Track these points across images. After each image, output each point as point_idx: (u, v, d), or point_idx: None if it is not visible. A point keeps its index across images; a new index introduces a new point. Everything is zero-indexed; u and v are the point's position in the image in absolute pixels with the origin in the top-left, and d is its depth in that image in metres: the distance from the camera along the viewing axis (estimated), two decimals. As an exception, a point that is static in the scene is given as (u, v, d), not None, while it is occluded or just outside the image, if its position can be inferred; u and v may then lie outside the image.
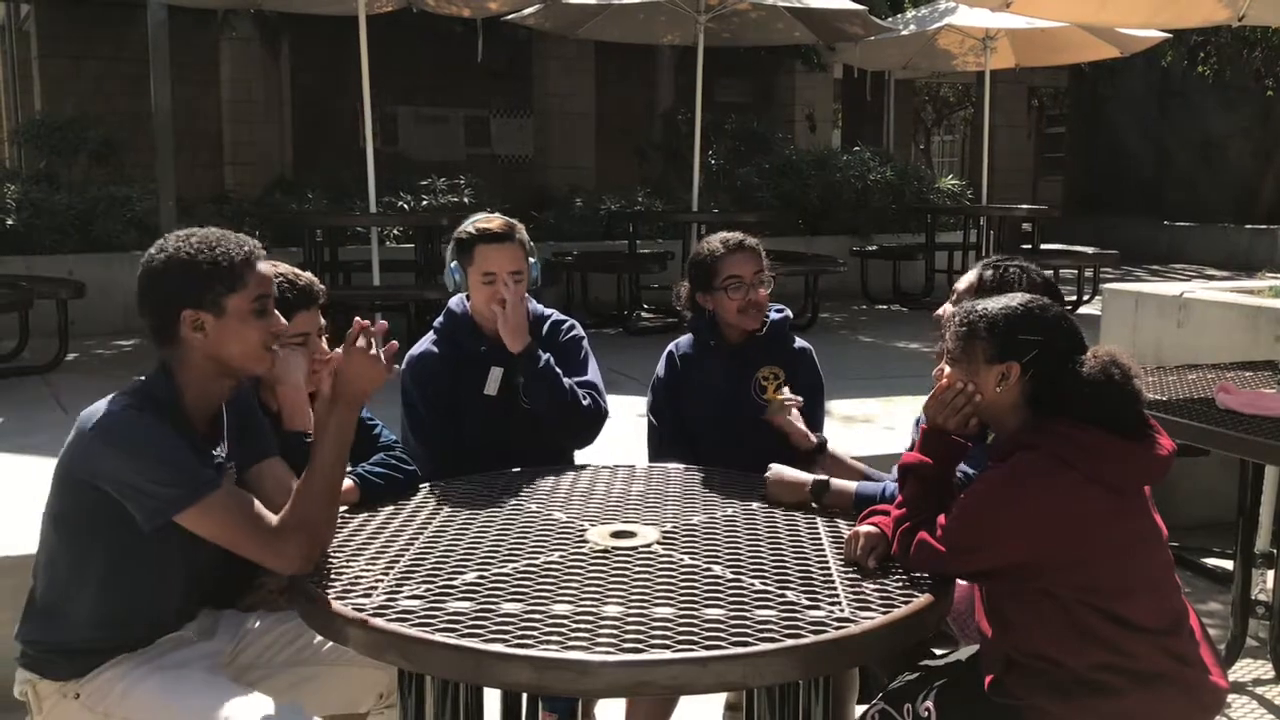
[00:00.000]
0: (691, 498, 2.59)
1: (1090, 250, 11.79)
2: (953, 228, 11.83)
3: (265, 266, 2.18)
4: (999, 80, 13.66)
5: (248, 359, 2.16)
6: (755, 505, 2.53)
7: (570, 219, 10.73)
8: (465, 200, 9.94)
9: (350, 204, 9.40)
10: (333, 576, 2.08)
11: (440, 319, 3.08)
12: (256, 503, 2.12)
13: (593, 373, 3.05)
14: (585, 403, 2.94)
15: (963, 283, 2.67)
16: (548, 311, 3.09)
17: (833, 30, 9.48)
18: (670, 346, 3.21)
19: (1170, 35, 10.94)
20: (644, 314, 9.24)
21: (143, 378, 2.16)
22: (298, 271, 2.57)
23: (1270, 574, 3.83)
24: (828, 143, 14.94)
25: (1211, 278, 12.71)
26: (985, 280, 2.61)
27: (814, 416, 3.09)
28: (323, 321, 2.62)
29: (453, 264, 3.00)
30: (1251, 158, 16.46)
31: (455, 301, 3.08)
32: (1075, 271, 10.43)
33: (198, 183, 10.58)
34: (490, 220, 2.98)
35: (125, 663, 2.17)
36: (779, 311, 3.13)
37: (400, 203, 9.64)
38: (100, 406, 2.09)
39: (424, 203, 9.71)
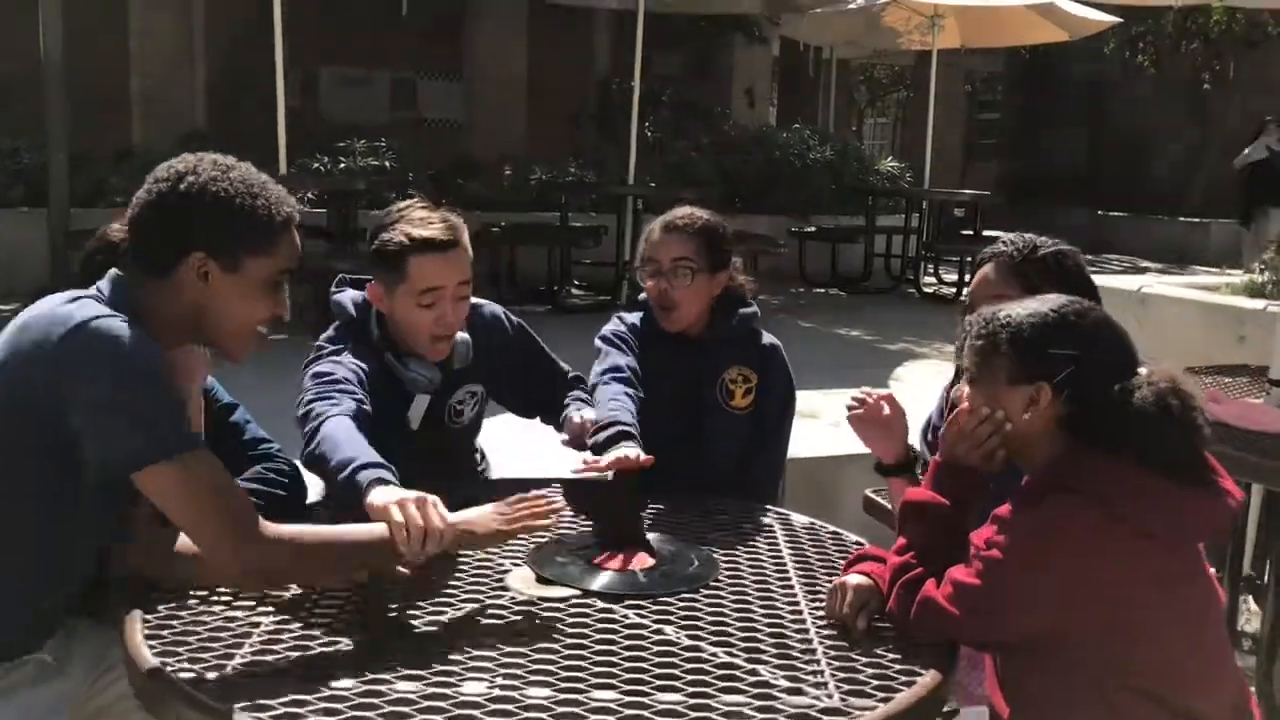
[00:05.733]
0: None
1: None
2: (891, 210, 11.54)
3: (297, 237, 1.81)
4: (938, 62, 13.39)
5: (234, 335, 1.78)
6: (713, 537, 2.12)
7: (499, 188, 10.21)
8: (386, 164, 9.36)
9: (266, 165, 8.79)
10: (178, 637, 1.62)
11: (333, 333, 2.34)
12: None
13: (552, 354, 2.64)
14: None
15: (985, 272, 2.21)
16: (476, 301, 2.50)
17: (780, -1, 9.07)
18: (617, 315, 2.68)
19: (1120, 21, 10.74)
20: (574, 290, 8.78)
21: (97, 291, 1.71)
22: None
23: (1252, 601, 3.53)
24: (766, 119, 14.54)
25: (1145, 269, 12.61)
26: (1011, 259, 2.15)
27: (780, 431, 2.67)
28: None
29: (345, 290, 2.38)
30: (1186, 150, 16.43)
31: (352, 301, 2.38)
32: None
33: (102, 136, 9.85)
34: (427, 221, 2.25)
35: None
36: (748, 307, 2.67)
37: (316, 165, 9.05)
38: (75, 311, 1.62)
39: (341, 166, 9.12)
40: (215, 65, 12.49)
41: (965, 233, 11.10)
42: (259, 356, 1.85)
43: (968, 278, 10.57)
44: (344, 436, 1.94)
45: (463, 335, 2.35)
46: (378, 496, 1.76)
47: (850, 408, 2.21)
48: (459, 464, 2.50)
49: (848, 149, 12.23)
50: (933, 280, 10.73)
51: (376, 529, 1.71)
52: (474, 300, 2.42)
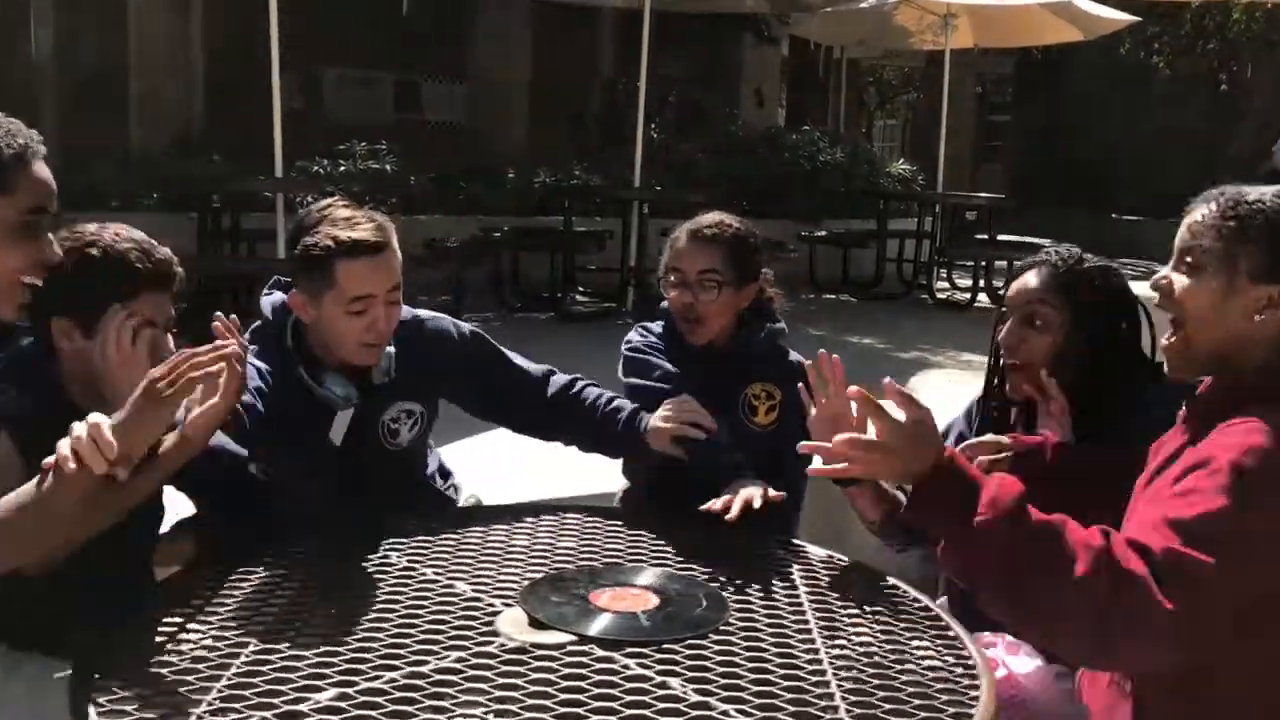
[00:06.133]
0: (638, 563, 1.99)
1: (1049, 244, 11.36)
2: (902, 214, 11.35)
3: (43, 169, 1.60)
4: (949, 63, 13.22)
5: None
6: (723, 573, 1.93)
7: (501, 191, 10.04)
8: (387, 168, 9.20)
9: (264, 167, 8.62)
10: (129, 692, 1.44)
11: (248, 337, 2.09)
12: None
13: (519, 359, 2.40)
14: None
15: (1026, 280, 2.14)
16: (422, 314, 2.31)
17: (789, -2, 8.90)
18: (641, 325, 2.56)
19: (1139, 20, 10.54)
20: (579, 297, 8.61)
21: None
22: (153, 242, 1.91)
23: None
24: (774, 121, 14.36)
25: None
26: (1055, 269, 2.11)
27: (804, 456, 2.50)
28: (173, 311, 1.97)
29: (273, 294, 2.20)
30: (1202, 153, 16.21)
31: (271, 305, 2.19)
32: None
33: (98, 136, 9.71)
34: (353, 222, 2.06)
35: None
36: (777, 323, 2.55)
37: (316, 168, 8.88)
38: None
39: (341, 168, 8.94)
40: (214, 66, 12.36)
41: (979, 237, 10.91)
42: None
43: (981, 283, 10.31)
44: None
45: (387, 348, 2.16)
46: None
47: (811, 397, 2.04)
48: (408, 488, 2.31)
49: (858, 151, 12.06)
50: (946, 286, 10.54)
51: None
52: (419, 313, 2.23)
